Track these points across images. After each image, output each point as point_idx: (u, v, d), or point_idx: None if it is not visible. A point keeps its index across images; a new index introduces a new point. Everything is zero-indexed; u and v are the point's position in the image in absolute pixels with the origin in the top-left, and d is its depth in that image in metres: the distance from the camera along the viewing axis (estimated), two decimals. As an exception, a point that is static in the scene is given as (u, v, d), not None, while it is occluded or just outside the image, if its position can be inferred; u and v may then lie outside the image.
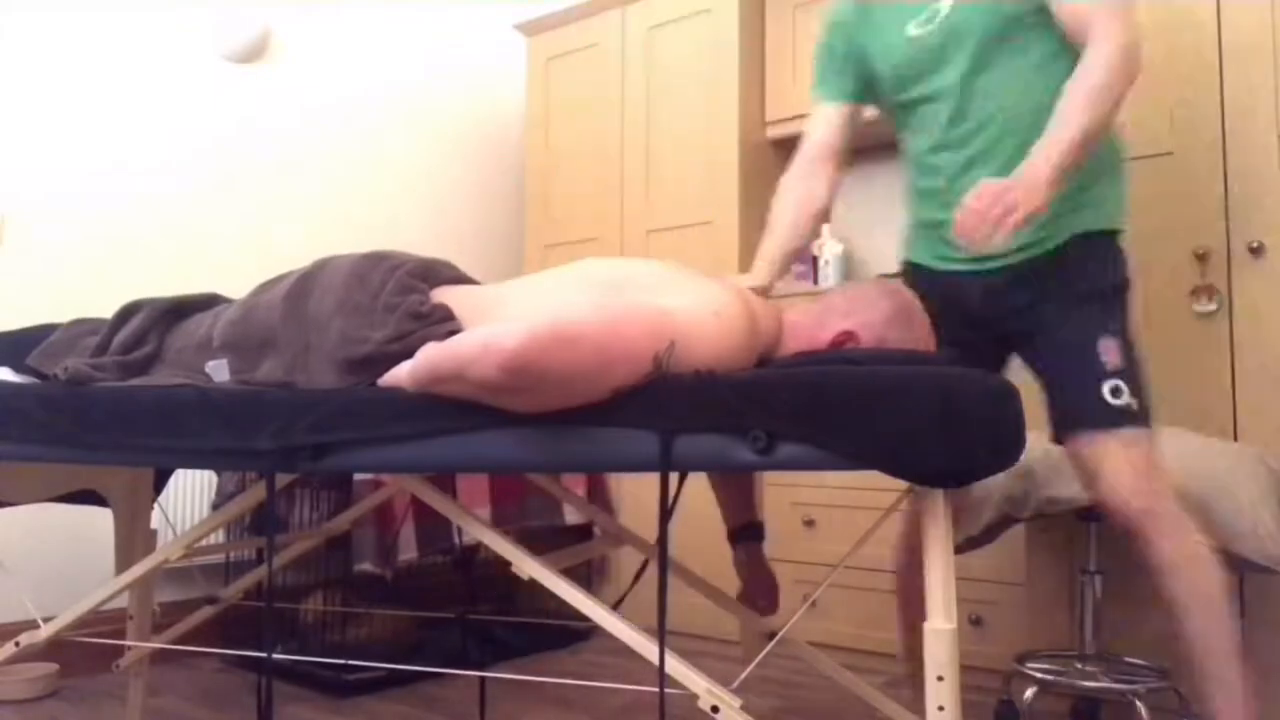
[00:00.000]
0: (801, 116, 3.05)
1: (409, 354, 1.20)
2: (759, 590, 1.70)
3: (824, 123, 1.77)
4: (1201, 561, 1.46)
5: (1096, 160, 1.54)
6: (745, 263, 3.01)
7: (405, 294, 1.29)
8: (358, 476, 2.40)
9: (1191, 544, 1.46)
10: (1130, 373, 1.48)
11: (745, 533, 1.71)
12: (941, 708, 1.00)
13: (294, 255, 3.05)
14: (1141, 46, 1.50)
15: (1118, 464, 1.46)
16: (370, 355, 1.24)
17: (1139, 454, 1.46)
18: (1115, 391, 1.46)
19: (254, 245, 2.99)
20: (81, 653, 2.39)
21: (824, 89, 1.78)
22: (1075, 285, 1.53)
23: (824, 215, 1.75)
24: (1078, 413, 1.50)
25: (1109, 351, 1.48)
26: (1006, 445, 1.03)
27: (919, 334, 1.31)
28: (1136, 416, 1.46)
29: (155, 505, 1.97)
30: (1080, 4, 1.46)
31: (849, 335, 1.28)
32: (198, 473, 2.71)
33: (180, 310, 1.48)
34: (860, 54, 1.73)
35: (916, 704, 1.77)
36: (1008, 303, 1.60)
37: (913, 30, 1.63)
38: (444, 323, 1.26)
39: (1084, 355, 1.49)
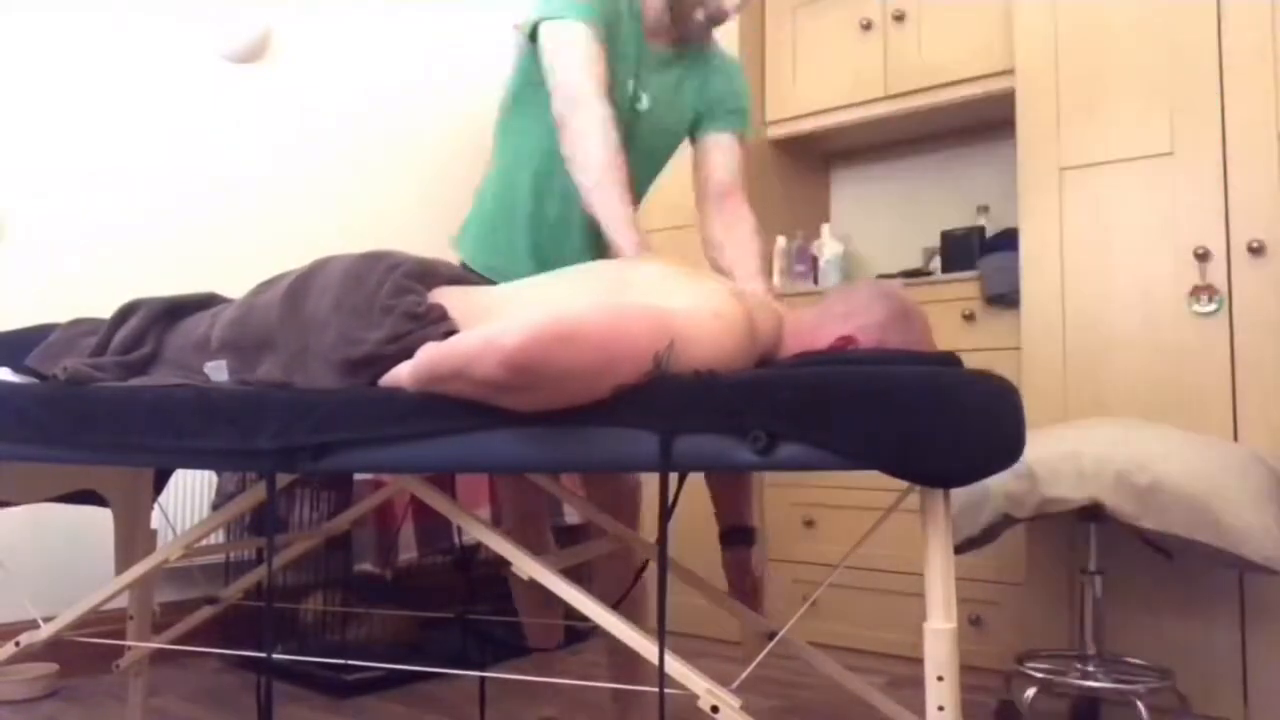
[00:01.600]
0: (801, 116, 3.06)
1: (406, 355, 1.20)
2: (742, 595, 1.70)
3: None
4: None
5: None
6: (745, 263, 3.01)
7: (402, 295, 1.29)
8: (358, 476, 2.40)
9: None
10: None
11: (734, 536, 1.72)
12: (941, 708, 0.99)
13: (293, 254, 3.04)
14: None
15: None
16: (367, 356, 1.24)
17: None
18: None
19: (253, 244, 2.99)
20: (81, 653, 2.38)
21: (593, 18, 1.61)
22: None
23: None
24: None
25: None
26: (1006, 445, 1.03)
27: (917, 335, 1.30)
28: None
29: (155, 505, 1.97)
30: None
31: (848, 340, 1.28)
32: (198, 473, 2.71)
33: (178, 310, 1.48)
34: None
35: None
36: None
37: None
38: (439, 324, 1.26)
39: None
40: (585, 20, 1.59)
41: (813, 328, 1.32)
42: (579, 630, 2.86)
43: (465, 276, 1.44)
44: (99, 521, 2.55)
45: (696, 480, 1.76)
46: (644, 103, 1.73)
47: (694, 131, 1.83)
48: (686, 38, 1.75)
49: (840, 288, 1.39)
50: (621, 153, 1.54)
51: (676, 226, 3.08)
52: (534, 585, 1.24)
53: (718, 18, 1.72)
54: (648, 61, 1.73)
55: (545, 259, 1.73)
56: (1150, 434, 1.87)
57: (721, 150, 1.82)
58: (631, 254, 1.47)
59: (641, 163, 1.74)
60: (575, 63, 1.57)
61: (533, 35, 1.63)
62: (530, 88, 1.69)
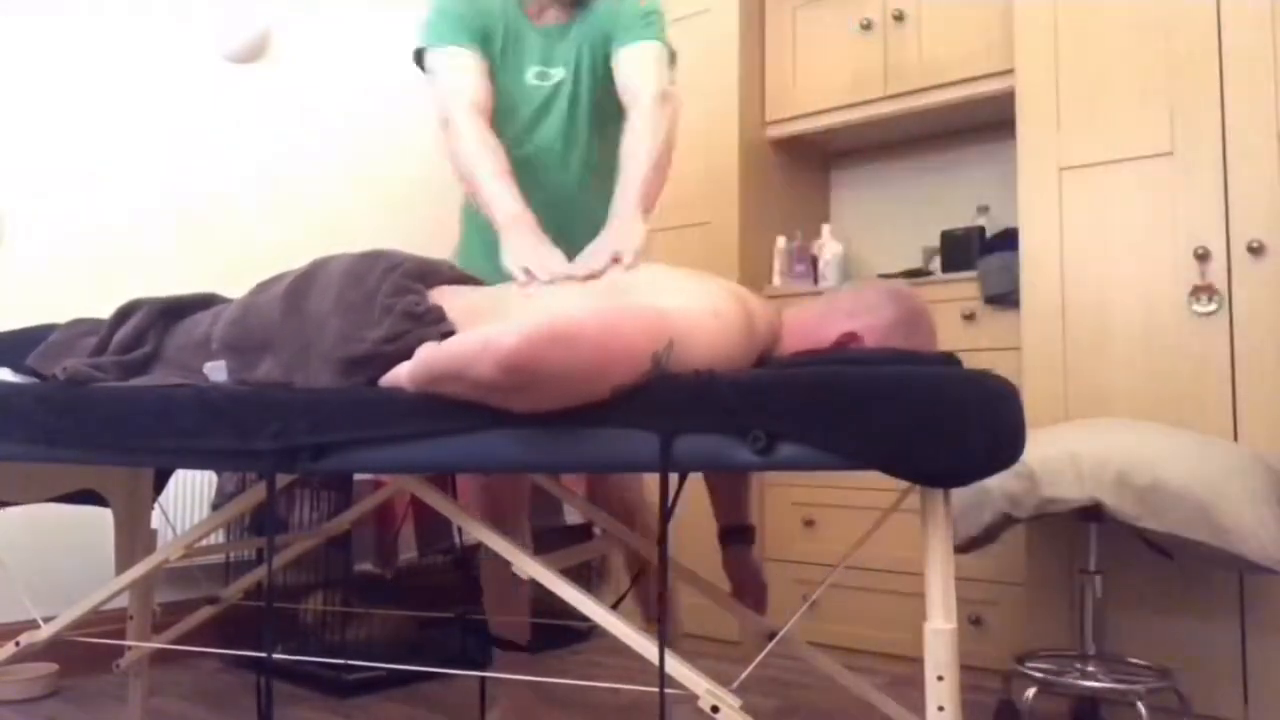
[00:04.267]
0: (801, 116, 3.06)
1: (405, 354, 1.21)
2: (746, 593, 1.70)
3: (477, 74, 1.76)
4: None
5: None
6: (745, 263, 3.01)
7: (401, 294, 1.29)
8: (358, 476, 2.40)
9: None
10: None
11: (733, 535, 1.72)
12: (941, 708, 0.99)
13: (293, 254, 3.03)
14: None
15: None
16: (366, 355, 1.24)
17: None
18: None
19: (253, 244, 2.99)
20: (81, 653, 2.38)
21: (464, 40, 1.77)
22: None
23: None
24: None
25: None
26: (1006, 445, 1.03)
27: (924, 340, 1.30)
28: None
29: (155, 505, 1.97)
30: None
31: (852, 336, 1.28)
32: (198, 473, 2.71)
33: (178, 310, 1.48)
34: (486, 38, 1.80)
35: None
36: None
37: (531, 79, 1.81)
38: (437, 324, 1.26)
39: None
40: (449, 44, 1.77)
41: (817, 321, 1.31)
42: (579, 630, 2.86)
43: (465, 276, 1.45)
44: (99, 521, 2.55)
45: (696, 480, 1.76)
46: (559, 73, 1.81)
47: (609, 64, 1.82)
48: (569, 7, 1.83)
49: (852, 284, 1.39)
50: (491, 145, 1.65)
51: (681, 226, 3.08)
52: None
53: None
54: (545, 40, 1.82)
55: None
56: (1150, 434, 1.87)
57: (628, 62, 1.77)
58: (506, 224, 1.54)
59: (596, 127, 1.84)
60: (442, 86, 1.75)
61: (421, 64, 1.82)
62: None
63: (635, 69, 1.75)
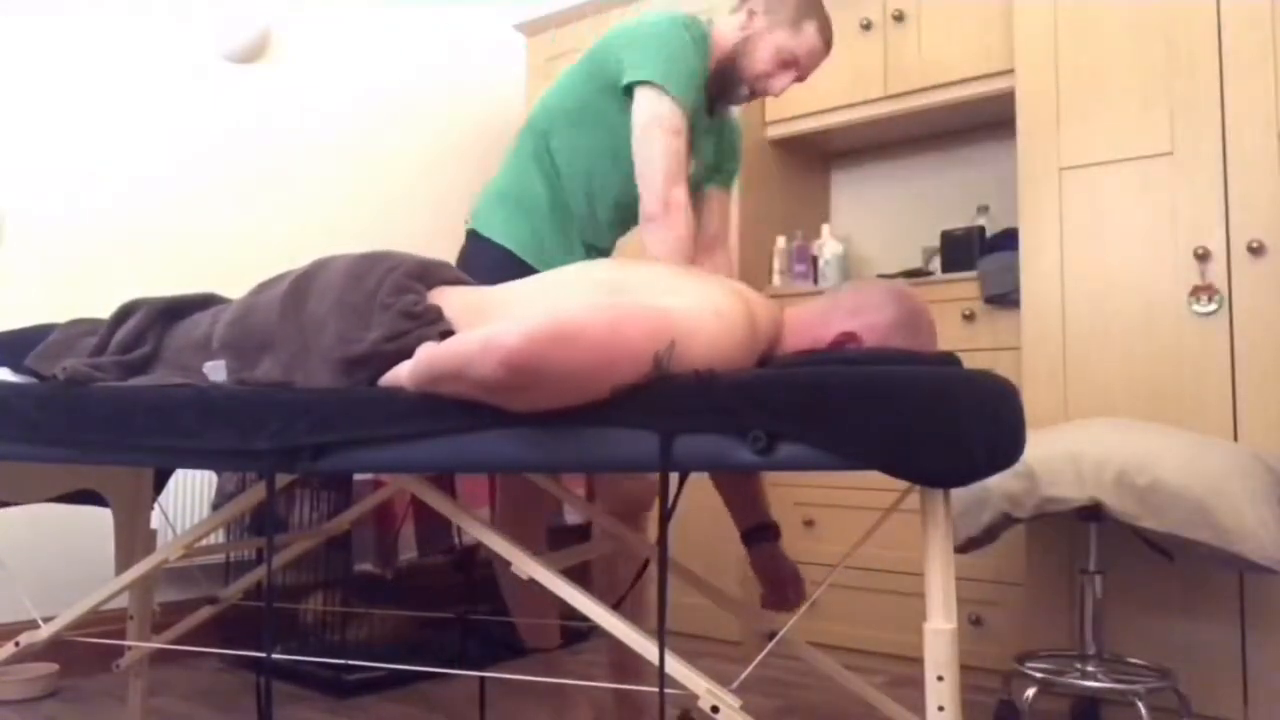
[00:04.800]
0: (801, 116, 3.06)
1: (404, 354, 1.20)
2: (783, 586, 1.71)
3: None
4: None
5: None
6: (745, 263, 3.01)
7: (401, 294, 1.29)
8: (358, 476, 2.40)
9: None
10: None
11: (756, 534, 1.72)
12: (941, 708, 0.99)
13: (293, 255, 3.05)
14: None
15: None
16: (365, 355, 1.24)
17: None
18: None
19: (253, 245, 2.99)
20: (81, 653, 2.38)
21: (691, 100, 1.69)
22: None
23: None
24: None
25: None
26: (1006, 445, 1.03)
27: (924, 341, 1.30)
28: None
29: (155, 505, 1.97)
30: None
31: (851, 336, 1.28)
32: (198, 473, 2.71)
33: (177, 310, 1.48)
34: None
35: None
36: None
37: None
38: (435, 323, 1.26)
39: None
40: (681, 100, 1.66)
41: (817, 321, 1.32)
42: (579, 630, 2.86)
43: (465, 278, 1.45)
44: (99, 521, 2.55)
45: (697, 480, 1.76)
46: (691, 167, 1.82)
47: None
48: (726, 103, 1.86)
49: (854, 283, 1.39)
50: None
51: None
52: (532, 583, 1.25)
53: (760, 93, 1.83)
54: (700, 129, 1.81)
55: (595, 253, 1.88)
56: (1150, 434, 1.87)
57: (719, 203, 1.94)
58: None
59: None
60: (672, 157, 1.63)
61: (627, 89, 1.68)
62: (594, 111, 1.77)
63: (723, 212, 1.95)
